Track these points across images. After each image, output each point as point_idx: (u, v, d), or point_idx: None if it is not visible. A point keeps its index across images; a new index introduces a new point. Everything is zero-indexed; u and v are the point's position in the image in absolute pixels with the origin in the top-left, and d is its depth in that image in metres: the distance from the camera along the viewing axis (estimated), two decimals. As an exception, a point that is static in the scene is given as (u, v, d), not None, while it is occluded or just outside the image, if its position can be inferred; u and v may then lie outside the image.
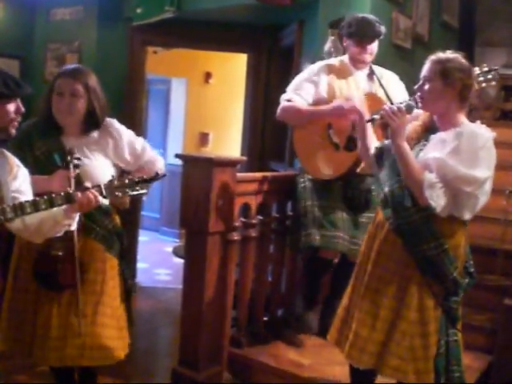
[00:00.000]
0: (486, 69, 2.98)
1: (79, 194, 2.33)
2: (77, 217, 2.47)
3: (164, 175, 2.52)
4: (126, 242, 2.93)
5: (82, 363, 2.73)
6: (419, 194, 2.47)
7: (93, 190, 2.36)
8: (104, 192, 2.38)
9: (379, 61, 3.62)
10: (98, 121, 2.76)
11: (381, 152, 2.78)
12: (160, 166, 2.93)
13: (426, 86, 2.56)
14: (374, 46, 3.50)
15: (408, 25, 4.98)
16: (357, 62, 3.53)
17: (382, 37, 3.51)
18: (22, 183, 2.42)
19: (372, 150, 2.84)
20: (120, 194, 2.40)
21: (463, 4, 6.25)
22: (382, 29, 3.49)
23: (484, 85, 2.99)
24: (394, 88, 3.53)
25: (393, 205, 2.60)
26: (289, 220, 3.87)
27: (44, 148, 2.73)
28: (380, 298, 2.62)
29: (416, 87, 2.62)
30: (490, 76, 2.99)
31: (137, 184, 2.41)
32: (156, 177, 2.44)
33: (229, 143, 8.36)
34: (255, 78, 5.93)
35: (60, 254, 2.63)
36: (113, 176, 2.47)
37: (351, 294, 2.80)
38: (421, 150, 2.59)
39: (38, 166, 2.68)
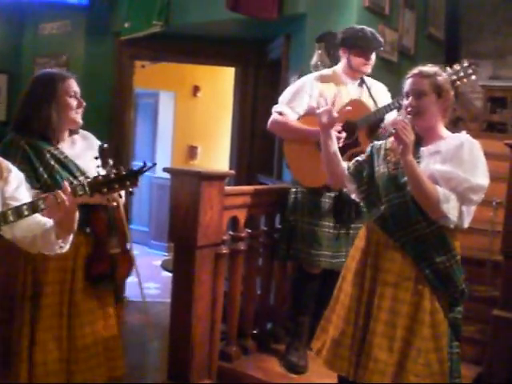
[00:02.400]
0: (466, 64, 3.07)
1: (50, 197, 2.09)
2: (71, 238, 2.25)
3: (154, 164, 2.26)
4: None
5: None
6: (433, 208, 2.44)
7: (62, 192, 2.08)
8: (87, 190, 2.11)
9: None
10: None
11: (361, 168, 2.75)
12: None
13: (421, 101, 2.54)
14: (374, 57, 3.55)
15: (394, 38, 5.01)
16: (357, 73, 3.55)
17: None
18: (16, 189, 2.23)
19: (343, 164, 2.79)
20: (107, 190, 2.13)
21: (449, 17, 6.30)
22: (382, 40, 3.57)
23: (465, 80, 3.08)
24: (381, 98, 3.58)
25: (396, 221, 2.55)
26: (277, 233, 3.86)
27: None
28: (396, 318, 2.55)
29: (407, 102, 2.57)
30: (470, 71, 3.08)
31: (125, 178, 2.13)
32: (143, 168, 2.13)
33: (217, 156, 8.38)
34: (243, 92, 5.96)
35: (118, 251, 2.70)
36: (98, 172, 2.21)
37: (352, 317, 2.67)
38: (417, 163, 2.53)
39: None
